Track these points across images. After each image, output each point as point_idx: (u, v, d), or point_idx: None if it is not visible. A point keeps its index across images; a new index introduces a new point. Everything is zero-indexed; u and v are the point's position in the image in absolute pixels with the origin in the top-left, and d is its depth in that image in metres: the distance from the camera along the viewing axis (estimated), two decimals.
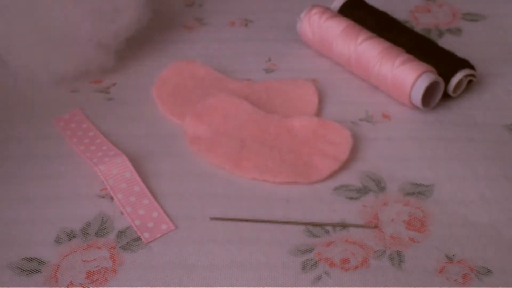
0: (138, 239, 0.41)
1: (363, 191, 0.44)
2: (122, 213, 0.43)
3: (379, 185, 0.44)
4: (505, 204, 0.43)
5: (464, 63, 0.51)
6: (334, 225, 0.42)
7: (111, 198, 0.44)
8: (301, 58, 0.56)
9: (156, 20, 0.59)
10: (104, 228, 0.42)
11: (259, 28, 0.59)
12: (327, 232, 0.42)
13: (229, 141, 0.47)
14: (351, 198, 0.44)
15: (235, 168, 0.45)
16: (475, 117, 0.50)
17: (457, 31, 0.58)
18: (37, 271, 0.40)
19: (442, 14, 0.61)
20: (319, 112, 0.50)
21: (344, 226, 0.42)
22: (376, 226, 0.42)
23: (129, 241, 0.41)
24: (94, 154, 0.46)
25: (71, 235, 0.42)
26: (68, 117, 0.50)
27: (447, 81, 0.50)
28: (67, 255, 0.41)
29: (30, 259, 0.40)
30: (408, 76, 0.48)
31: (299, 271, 0.39)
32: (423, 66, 0.49)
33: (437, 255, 0.40)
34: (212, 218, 0.42)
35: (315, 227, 0.42)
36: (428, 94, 0.49)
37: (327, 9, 0.54)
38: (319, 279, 0.39)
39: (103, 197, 0.44)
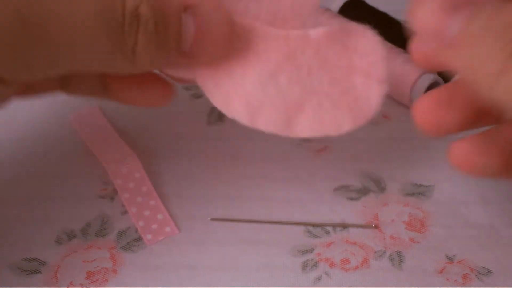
0: (138, 239, 0.41)
1: (363, 191, 0.44)
2: (122, 213, 0.43)
3: (379, 186, 0.44)
4: (505, 204, 0.43)
5: None
6: (334, 226, 0.42)
7: (111, 198, 0.44)
8: None
9: None
10: (104, 229, 0.42)
11: None
12: (327, 232, 0.42)
13: (268, 93, 0.37)
14: (351, 199, 0.44)
15: (288, 128, 0.37)
16: None
17: None
18: (37, 271, 0.40)
19: None
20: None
21: (344, 226, 0.42)
22: (376, 227, 0.42)
23: (130, 241, 0.41)
24: (106, 152, 0.46)
25: (71, 236, 0.42)
26: (85, 113, 0.50)
27: (447, 81, 0.50)
28: (67, 256, 0.41)
29: (30, 260, 0.40)
30: (408, 76, 0.48)
31: (300, 271, 0.39)
32: None
33: (437, 255, 0.40)
34: (213, 219, 0.42)
35: (315, 227, 0.42)
36: None
37: (326, 10, 0.54)
38: (319, 279, 0.39)
39: (103, 197, 0.44)
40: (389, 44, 0.51)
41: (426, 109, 0.35)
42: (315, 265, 0.40)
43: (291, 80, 0.37)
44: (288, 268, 0.40)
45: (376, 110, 0.37)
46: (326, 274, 0.39)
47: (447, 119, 0.35)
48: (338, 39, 0.37)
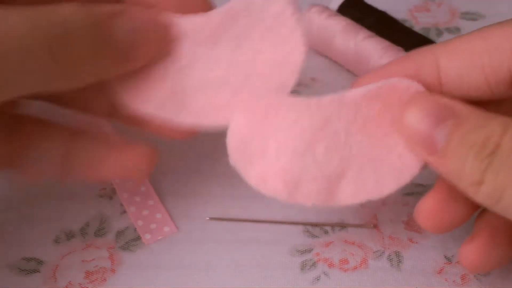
0: (137, 239, 0.41)
1: None
2: (121, 213, 0.43)
3: None
4: None
5: None
6: (333, 225, 0.42)
7: (110, 197, 0.44)
8: None
9: None
10: (103, 228, 0.42)
11: None
12: (326, 232, 0.42)
13: (306, 167, 0.35)
14: None
15: (330, 198, 0.36)
16: None
17: (456, 30, 0.58)
18: (36, 271, 0.40)
19: (441, 13, 0.61)
20: None
21: (343, 226, 0.42)
22: (375, 227, 0.42)
23: (128, 241, 0.41)
24: None
25: (70, 235, 0.42)
26: None
27: None
28: (66, 255, 0.41)
29: (28, 259, 0.40)
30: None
31: (298, 271, 0.39)
32: None
33: (436, 255, 0.40)
34: (211, 218, 0.42)
35: (314, 227, 0.42)
36: None
37: (326, 8, 0.54)
38: (318, 279, 0.39)
39: (102, 196, 0.44)
40: (387, 43, 0.51)
41: (427, 215, 0.37)
42: (314, 265, 0.40)
43: (329, 149, 0.35)
44: (286, 268, 0.39)
45: (422, 165, 0.35)
46: (325, 274, 0.39)
47: (449, 219, 0.37)
48: (378, 96, 0.35)
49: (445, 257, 0.40)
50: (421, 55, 0.35)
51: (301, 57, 0.36)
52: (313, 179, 0.35)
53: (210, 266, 0.40)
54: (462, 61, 0.34)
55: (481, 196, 0.32)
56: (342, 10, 0.56)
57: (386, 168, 0.35)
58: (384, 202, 0.43)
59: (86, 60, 0.35)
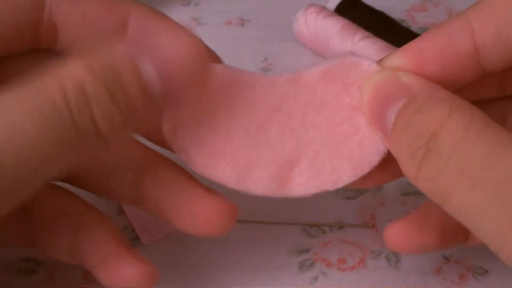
0: (135, 239, 0.41)
1: (360, 190, 0.44)
2: (119, 213, 0.43)
3: None
4: None
5: None
6: (331, 225, 0.42)
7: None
8: (297, 58, 0.56)
9: None
10: None
11: (256, 28, 0.59)
12: (324, 232, 0.42)
13: (256, 146, 0.32)
14: (348, 198, 0.44)
15: (280, 187, 0.33)
16: None
17: None
18: (34, 271, 0.40)
19: (438, 13, 0.61)
20: None
21: (341, 226, 0.42)
22: (373, 226, 0.42)
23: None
24: None
25: None
26: None
27: None
28: None
29: (27, 260, 0.40)
30: None
31: (296, 271, 0.39)
32: None
33: (434, 255, 0.40)
34: None
35: (312, 227, 0.42)
36: None
37: (323, 8, 0.54)
38: (316, 279, 0.39)
39: (99, 196, 0.44)
40: (384, 43, 0.51)
41: (396, 234, 0.35)
42: (312, 265, 0.40)
43: (283, 132, 0.32)
44: (285, 268, 0.40)
45: (383, 154, 0.32)
46: (323, 274, 0.39)
47: (418, 242, 0.35)
48: (337, 76, 0.32)
49: (443, 256, 0.40)
50: (452, 24, 0.31)
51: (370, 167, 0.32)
52: (265, 164, 0.32)
53: (208, 266, 0.40)
54: (498, 19, 0.30)
55: (422, 190, 0.29)
56: (340, 10, 0.56)
57: (344, 156, 0.32)
58: (382, 201, 0.43)
59: (115, 126, 0.28)
